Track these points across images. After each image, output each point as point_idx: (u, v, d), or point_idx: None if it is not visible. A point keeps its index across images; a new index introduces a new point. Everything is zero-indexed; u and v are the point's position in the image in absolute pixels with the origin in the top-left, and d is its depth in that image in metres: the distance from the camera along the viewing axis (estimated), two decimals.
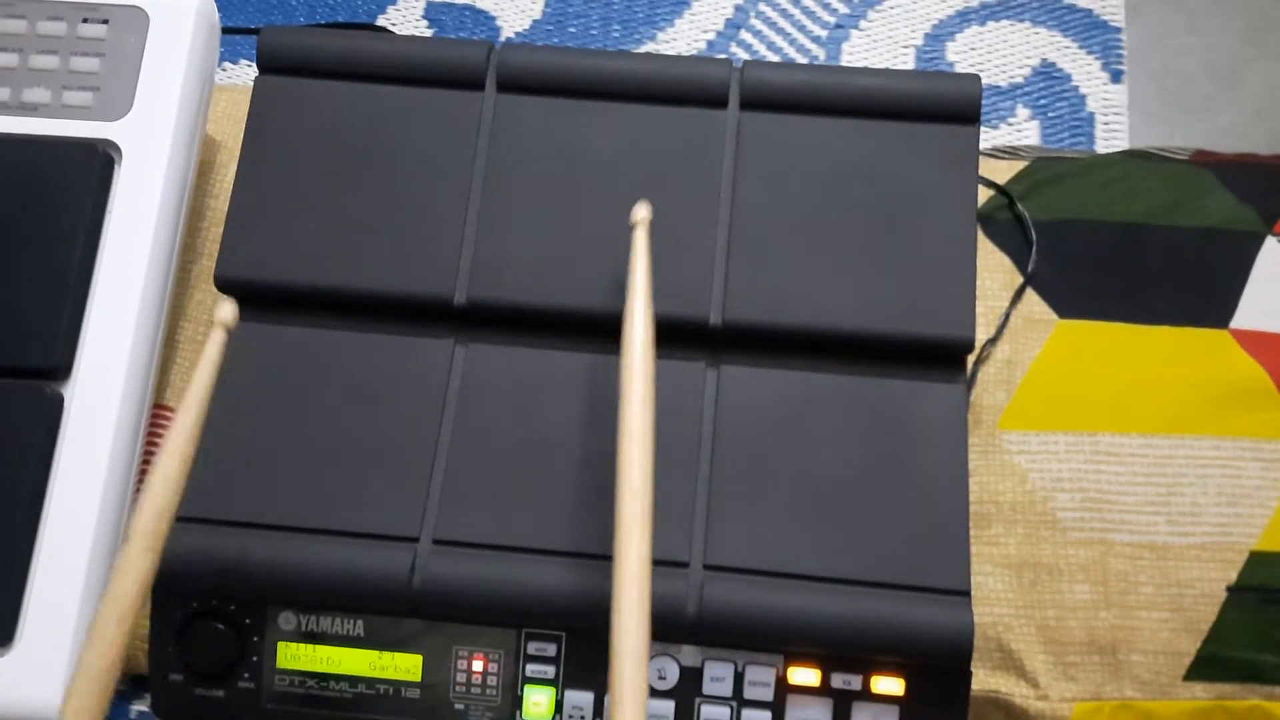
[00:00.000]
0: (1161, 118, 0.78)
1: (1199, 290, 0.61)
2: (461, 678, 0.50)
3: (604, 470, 0.51)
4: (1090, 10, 0.80)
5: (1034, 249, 0.62)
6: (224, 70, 0.80)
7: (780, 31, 0.80)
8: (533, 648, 0.50)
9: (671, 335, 0.54)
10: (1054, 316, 0.61)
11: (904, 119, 0.56)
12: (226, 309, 0.46)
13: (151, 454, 0.59)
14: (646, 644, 0.41)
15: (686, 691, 0.50)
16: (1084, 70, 0.78)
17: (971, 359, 0.59)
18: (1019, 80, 0.78)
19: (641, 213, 0.50)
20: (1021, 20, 0.80)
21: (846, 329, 0.53)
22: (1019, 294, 0.61)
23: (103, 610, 0.41)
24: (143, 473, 0.58)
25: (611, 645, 0.41)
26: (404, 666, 0.50)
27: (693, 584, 0.49)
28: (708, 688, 0.50)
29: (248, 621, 0.51)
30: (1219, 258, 0.62)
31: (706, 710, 0.50)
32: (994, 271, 0.62)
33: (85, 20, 0.60)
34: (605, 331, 0.54)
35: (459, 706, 0.50)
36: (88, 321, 0.55)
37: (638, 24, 0.81)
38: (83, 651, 0.40)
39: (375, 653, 0.50)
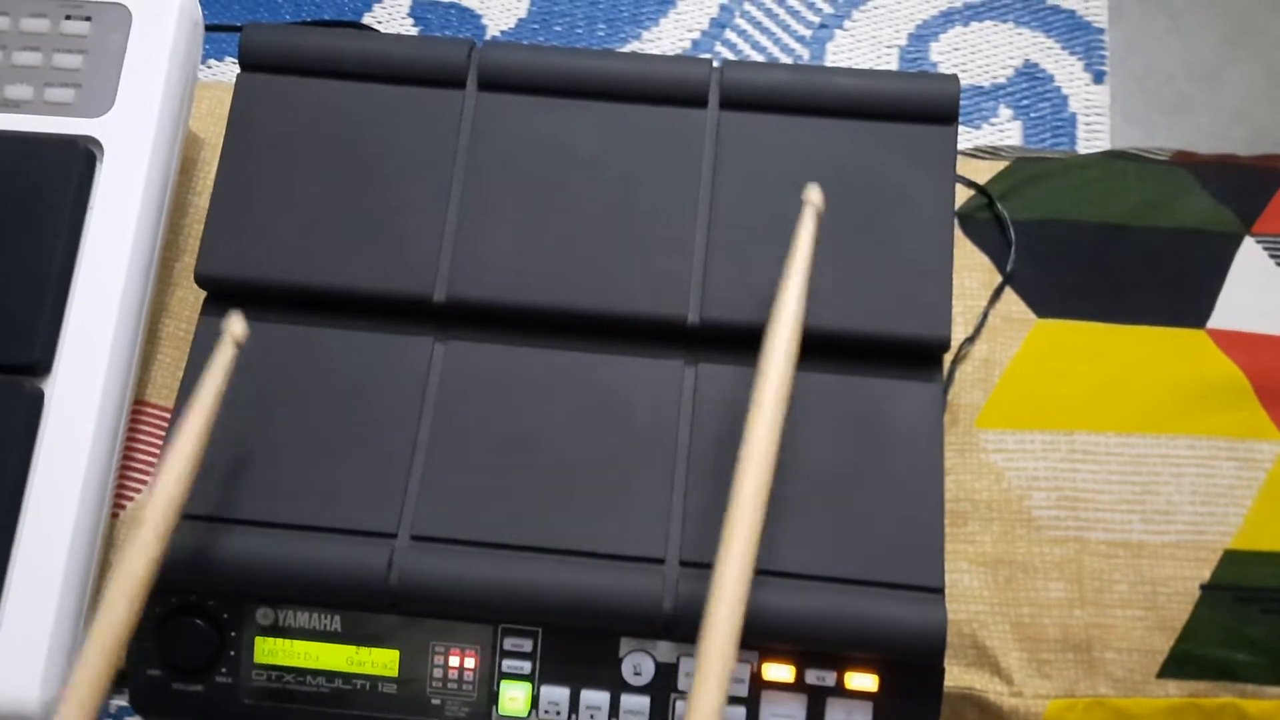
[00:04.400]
0: (1143, 118, 0.78)
1: (1176, 290, 0.62)
2: (438, 673, 0.51)
3: (580, 468, 0.52)
4: (1073, 11, 0.80)
5: (1013, 248, 0.63)
6: (208, 67, 0.80)
7: (765, 31, 0.80)
8: (509, 643, 0.50)
9: (649, 333, 0.54)
10: (1032, 316, 0.61)
11: (883, 119, 0.56)
12: (237, 324, 0.49)
13: (132, 450, 0.59)
14: (731, 663, 0.42)
15: (662, 687, 0.50)
16: (1066, 71, 0.78)
17: (949, 358, 0.59)
18: (1002, 80, 0.78)
19: (813, 196, 0.51)
20: (1005, 21, 0.80)
21: (823, 328, 0.53)
22: (997, 293, 0.62)
23: (112, 588, 0.44)
24: (123, 469, 0.58)
25: (698, 660, 0.42)
26: (381, 662, 0.51)
27: (668, 580, 0.50)
28: (683, 683, 0.50)
29: (225, 616, 0.51)
30: (1197, 258, 0.63)
31: (682, 706, 0.50)
32: (973, 271, 0.62)
33: (68, 17, 0.60)
34: (584, 329, 0.54)
35: (435, 701, 0.51)
36: (68, 318, 0.55)
37: (623, 23, 0.81)
38: (93, 625, 0.43)
39: (352, 648, 0.51)
